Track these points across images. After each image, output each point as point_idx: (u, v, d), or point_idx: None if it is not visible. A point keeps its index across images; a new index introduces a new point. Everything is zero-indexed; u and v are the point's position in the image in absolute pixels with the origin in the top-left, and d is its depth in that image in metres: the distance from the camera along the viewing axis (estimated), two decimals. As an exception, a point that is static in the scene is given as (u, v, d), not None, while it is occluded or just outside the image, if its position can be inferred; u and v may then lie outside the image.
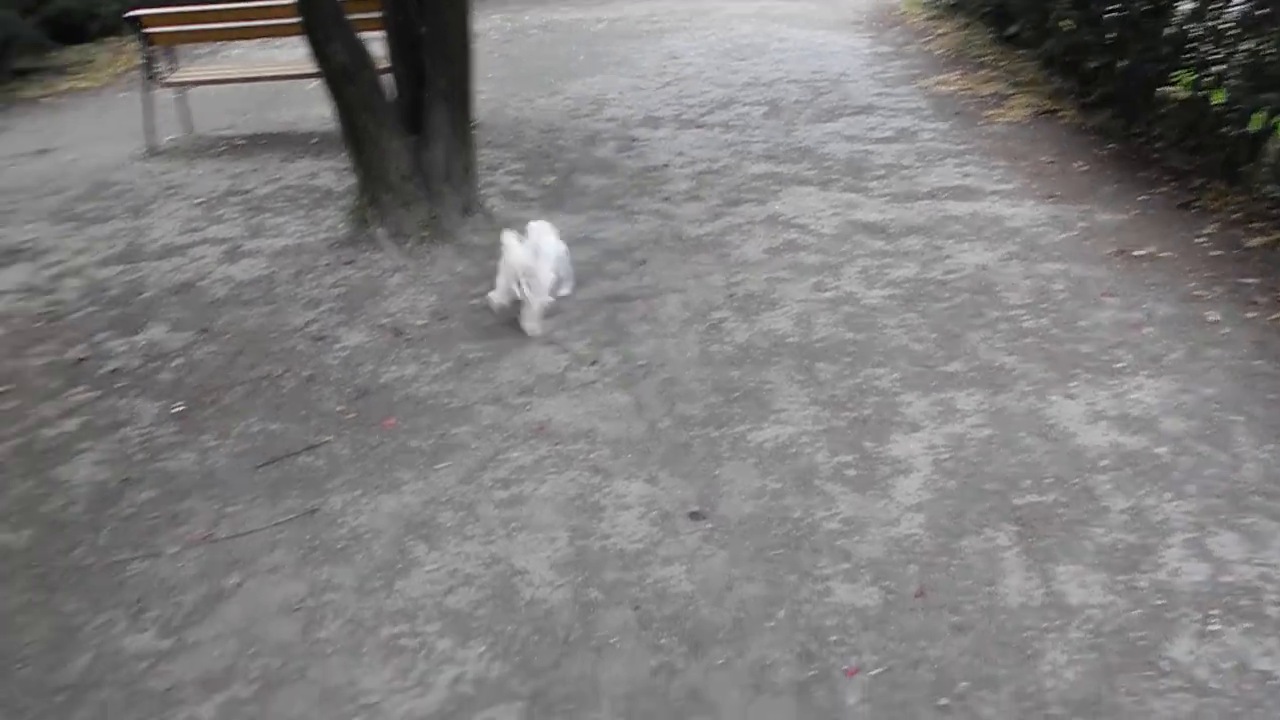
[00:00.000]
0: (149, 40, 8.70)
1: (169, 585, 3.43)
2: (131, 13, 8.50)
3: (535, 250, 4.85)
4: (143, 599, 3.38)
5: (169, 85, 8.97)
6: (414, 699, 2.88)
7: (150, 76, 8.88)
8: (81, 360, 5.12)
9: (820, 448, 3.89)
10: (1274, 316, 4.71)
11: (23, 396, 4.81)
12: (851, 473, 3.74)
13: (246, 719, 2.87)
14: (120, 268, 6.28)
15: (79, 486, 4.05)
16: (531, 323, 4.91)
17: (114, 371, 4.97)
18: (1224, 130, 6.21)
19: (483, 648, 3.04)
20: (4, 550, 3.71)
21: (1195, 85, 6.41)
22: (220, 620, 3.24)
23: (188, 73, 9.22)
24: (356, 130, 5.94)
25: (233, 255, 6.29)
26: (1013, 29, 9.94)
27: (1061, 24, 8.11)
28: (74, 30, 13.60)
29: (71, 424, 4.52)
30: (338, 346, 4.95)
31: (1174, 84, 6.64)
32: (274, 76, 9.18)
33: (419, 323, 5.10)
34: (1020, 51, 9.97)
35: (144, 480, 4.04)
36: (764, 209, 6.41)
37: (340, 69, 5.74)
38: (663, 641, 3.01)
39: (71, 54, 13.29)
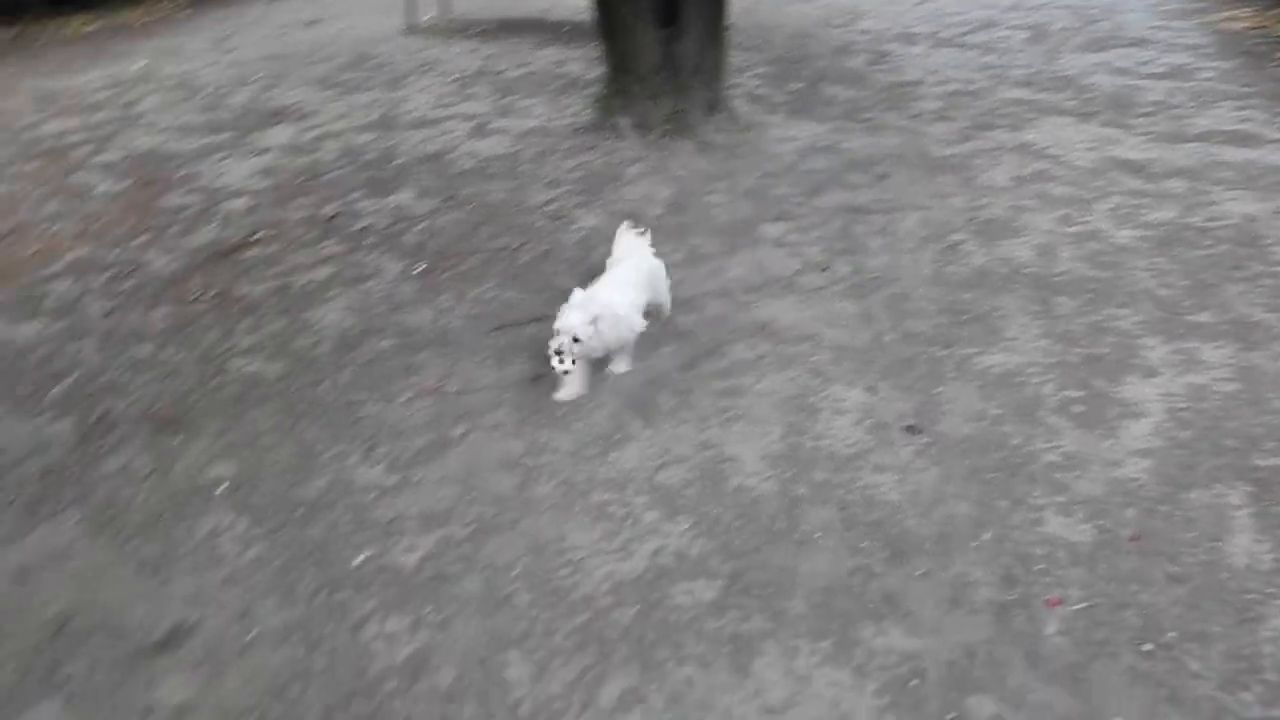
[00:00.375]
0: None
1: (399, 428, 3.66)
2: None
3: (590, 307, 3.63)
4: (375, 437, 3.62)
5: (435, -36, 9.27)
6: (617, 562, 3.00)
7: (418, -45, 9.19)
8: (335, 216, 5.44)
9: (1048, 380, 3.77)
10: None
11: (282, 244, 5.16)
12: (1078, 409, 3.61)
13: (460, 557, 3.05)
14: (375, 134, 6.60)
15: (326, 330, 4.34)
16: (567, 390, 3.84)
17: (363, 229, 5.26)
18: None
19: (687, 525, 3.12)
20: (259, 379, 4.03)
21: None
22: (444, 466, 3.45)
23: (453, -47, 9.48)
24: (611, 20, 6.00)
25: (480, 132, 6.51)
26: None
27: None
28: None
29: (323, 273, 4.83)
30: (574, 227, 5.08)
31: None
32: (535, -37, 9.33)
33: (655, 212, 5.17)
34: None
35: (384, 331, 4.30)
36: (1016, 136, 6.16)
37: (602, -43, 5.79)
38: (864, 545, 3.02)
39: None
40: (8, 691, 2.76)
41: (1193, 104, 6.66)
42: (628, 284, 3.90)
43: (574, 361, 3.64)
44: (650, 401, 3.71)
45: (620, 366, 3.94)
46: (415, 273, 4.76)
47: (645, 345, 4.03)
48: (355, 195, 5.68)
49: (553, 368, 3.66)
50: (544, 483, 3.34)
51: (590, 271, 4.62)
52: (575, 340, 3.58)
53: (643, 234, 4.20)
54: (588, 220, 5.14)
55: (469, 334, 4.22)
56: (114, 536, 3.30)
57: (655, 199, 5.32)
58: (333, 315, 4.44)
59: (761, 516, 3.14)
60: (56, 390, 4.11)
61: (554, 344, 3.64)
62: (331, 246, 5.10)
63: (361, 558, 3.08)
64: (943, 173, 5.62)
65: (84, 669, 2.81)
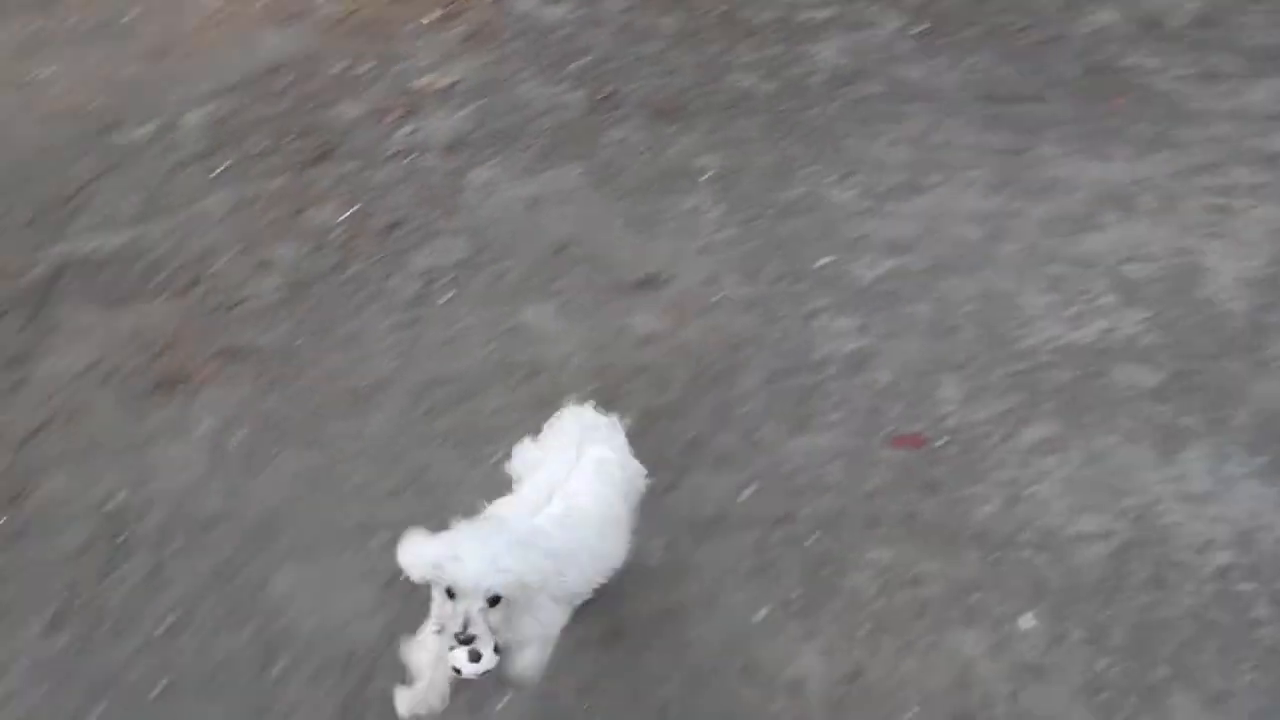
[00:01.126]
0: None
1: (878, 164, 3.83)
2: None
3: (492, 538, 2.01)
4: (853, 166, 3.82)
5: None
6: (1065, 329, 3.07)
7: None
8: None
9: None
10: None
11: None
12: None
13: (915, 284, 3.25)
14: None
15: (821, 64, 4.52)
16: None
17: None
18: None
19: (1143, 316, 3.11)
20: (752, 93, 4.32)
21: None
22: (914, 205, 3.60)
23: None
24: None
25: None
26: None
27: None
28: None
29: (824, 14, 4.96)
30: (1085, 19, 4.86)
31: None
32: None
33: (1177, 23, 4.84)
34: None
35: (875, 76, 4.42)
36: None
37: None
38: (1337, 388, 2.90)
39: None
40: (516, 288, 3.29)
41: None
42: (592, 482, 2.25)
43: (495, 649, 1.99)
44: (1131, 198, 3.62)
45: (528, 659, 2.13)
46: (914, 33, 4.78)
47: (1138, 145, 3.90)
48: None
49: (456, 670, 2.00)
50: (1009, 243, 3.41)
51: (1094, 66, 4.45)
52: (494, 603, 1.95)
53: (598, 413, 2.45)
54: (1102, 16, 4.88)
55: (958, 98, 4.24)
56: (610, 192, 3.74)
57: (1181, 8, 4.96)
58: (828, 53, 4.59)
59: (1224, 330, 3.06)
60: (573, 66, 4.58)
61: (442, 624, 2.00)
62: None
63: (824, 261, 3.33)
64: None
65: (575, 285, 3.29)
